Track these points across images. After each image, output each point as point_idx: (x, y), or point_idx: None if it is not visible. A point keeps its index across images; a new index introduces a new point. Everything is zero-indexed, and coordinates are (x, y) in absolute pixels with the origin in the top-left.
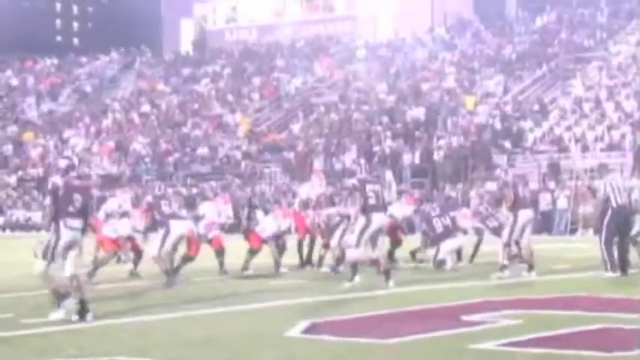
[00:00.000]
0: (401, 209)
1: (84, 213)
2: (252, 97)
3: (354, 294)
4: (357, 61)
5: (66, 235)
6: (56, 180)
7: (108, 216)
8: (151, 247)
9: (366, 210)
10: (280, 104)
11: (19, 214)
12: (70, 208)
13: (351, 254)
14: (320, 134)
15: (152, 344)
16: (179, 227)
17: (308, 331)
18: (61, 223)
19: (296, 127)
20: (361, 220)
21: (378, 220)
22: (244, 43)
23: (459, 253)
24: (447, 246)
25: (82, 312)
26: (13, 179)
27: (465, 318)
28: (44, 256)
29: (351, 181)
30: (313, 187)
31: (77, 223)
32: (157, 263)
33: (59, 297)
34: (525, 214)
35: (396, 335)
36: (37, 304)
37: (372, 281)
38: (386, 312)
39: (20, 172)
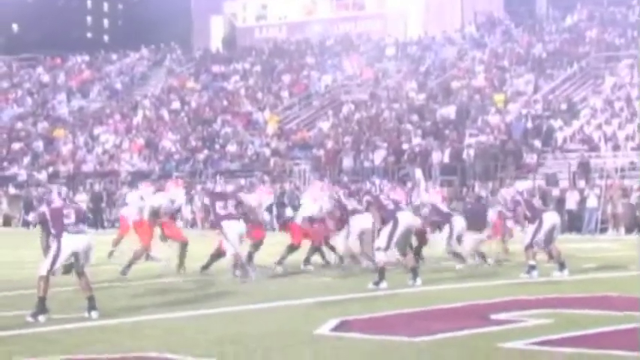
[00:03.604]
0: (429, 198)
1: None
2: (281, 94)
3: (383, 292)
4: (387, 59)
5: (67, 247)
6: (43, 209)
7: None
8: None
9: (387, 218)
10: (310, 102)
11: None
12: (66, 220)
13: (380, 257)
14: (349, 132)
15: (182, 341)
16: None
17: (337, 328)
18: (63, 236)
19: (325, 125)
20: (389, 224)
21: (405, 219)
22: (274, 41)
23: (483, 256)
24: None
25: (90, 309)
26: (43, 175)
27: (494, 317)
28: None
29: (365, 199)
30: (315, 202)
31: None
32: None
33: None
34: (550, 218)
35: (425, 333)
36: (66, 299)
37: (401, 279)
38: (415, 310)
39: (51, 169)
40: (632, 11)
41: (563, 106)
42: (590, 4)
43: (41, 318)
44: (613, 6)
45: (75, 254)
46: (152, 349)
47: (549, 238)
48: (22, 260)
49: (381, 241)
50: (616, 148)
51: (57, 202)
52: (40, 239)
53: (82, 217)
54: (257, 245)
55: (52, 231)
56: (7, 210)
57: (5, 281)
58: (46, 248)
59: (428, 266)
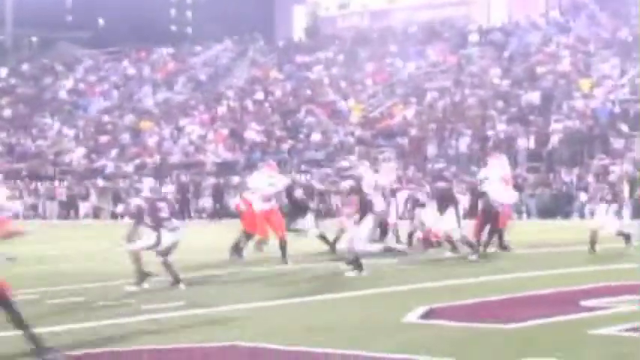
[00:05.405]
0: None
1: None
2: (365, 82)
3: (469, 279)
4: (471, 45)
5: (166, 242)
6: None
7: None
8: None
9: (367, 209)
10: (393, 90)
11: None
12: (162, 214)
13: (359, 246)
14: (433, 119)
15: (273, 330)
16: None
17: (426, 316)
18: (161, 230)
19: (409, 113)
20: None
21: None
22: (357, 29)
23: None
24: None
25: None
26: (130, 167)
27: (584, 303)
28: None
29: (348, 183)
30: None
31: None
32: None
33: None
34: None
35: (514, 320)
36: (155, 290)
37: (488, 267)
38: (503, 297)
39: (138, 161)
40: None
41: None
42: None
43: (145, 284)
44: None
45: (169, 248)
46: (242, 338)
47: None
48: (107, 252)
49: (361, 233)
50: None
51: (147, 193)
52: (128, 230)
53: (173, 210)
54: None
55: (149, 222)
56: (96, 202)
57: (89, 273)
58: (132, 237)
59: (513, 253)
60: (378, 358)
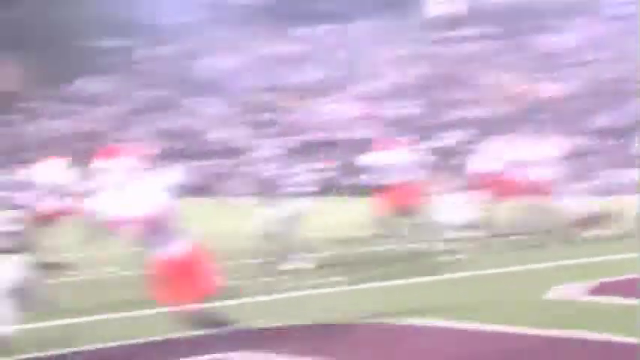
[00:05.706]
0: None
1: None
2: (515, 57)
3: (625, 255)
4: (632, 17)
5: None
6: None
7: None
8: None
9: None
10: (542, 64)
11: None
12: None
13: None
14: (594, 92)
15: (427, 305)
16: None
17: (594, 292)
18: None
19: (561, 87)
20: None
21: None
22: (507, 4)
23: None
24: None
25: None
26: (276, 144)
27: None
28: None
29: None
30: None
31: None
32: None
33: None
34: None
35: None
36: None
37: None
38: None
39: (284, 139)
40: None
41: None
42: None
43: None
44: None
45: (281, 220)
46: (406, 313)
47: None
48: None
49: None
50: None
51: (264, 164)
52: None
53: (291, 182)
54: None
55: (266, 195)
56: (241, 182)
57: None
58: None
59: None
60: (529, 335)
